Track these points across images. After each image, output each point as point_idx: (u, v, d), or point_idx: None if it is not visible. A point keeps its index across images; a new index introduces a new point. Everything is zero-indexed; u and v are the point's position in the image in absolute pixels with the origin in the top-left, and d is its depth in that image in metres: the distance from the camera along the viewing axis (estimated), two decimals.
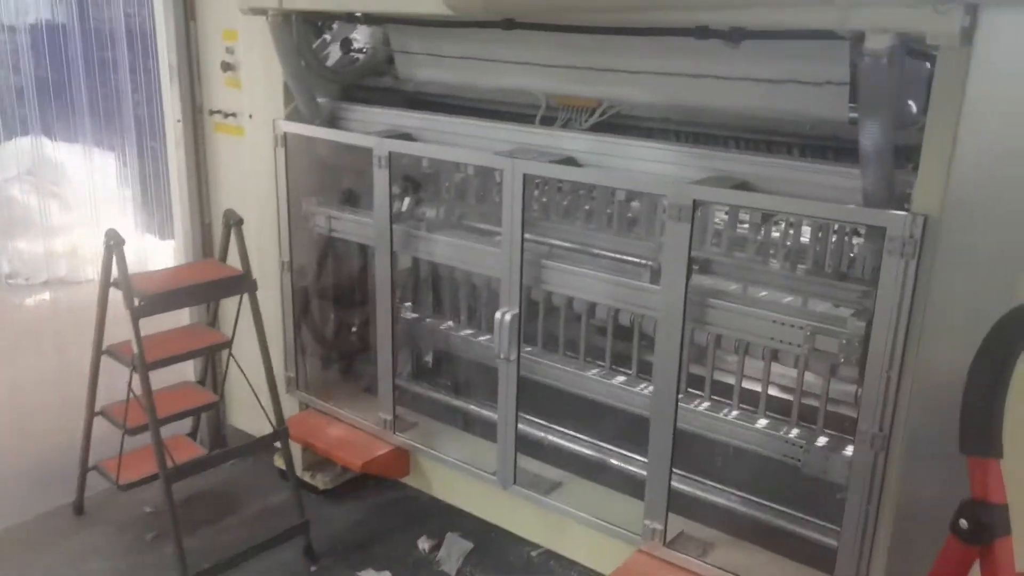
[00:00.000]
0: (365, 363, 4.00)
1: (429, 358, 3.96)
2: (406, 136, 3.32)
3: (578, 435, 3.33)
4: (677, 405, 2.69)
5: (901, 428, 2.26)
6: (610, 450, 3.22)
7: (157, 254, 4.28)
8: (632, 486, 3.05)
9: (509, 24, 2.88)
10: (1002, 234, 1.99)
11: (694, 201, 2.48)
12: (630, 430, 3.12)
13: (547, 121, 3.15)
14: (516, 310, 2.97)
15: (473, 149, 3.12)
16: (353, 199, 3.79)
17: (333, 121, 3.59)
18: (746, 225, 2.82)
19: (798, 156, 2.67)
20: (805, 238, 2.73)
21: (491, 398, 3.24)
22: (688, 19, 2.44)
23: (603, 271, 2.99)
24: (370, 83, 3.74)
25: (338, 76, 3.64)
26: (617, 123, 3.01)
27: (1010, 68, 1.90)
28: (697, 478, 2.99)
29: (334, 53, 3.72)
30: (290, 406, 3.81)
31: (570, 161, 2.87)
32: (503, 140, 3.07)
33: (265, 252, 3.72)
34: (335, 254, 3.91)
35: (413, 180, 3.66)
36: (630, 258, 3.02)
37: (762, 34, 2.47)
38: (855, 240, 2.62)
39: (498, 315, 2.98)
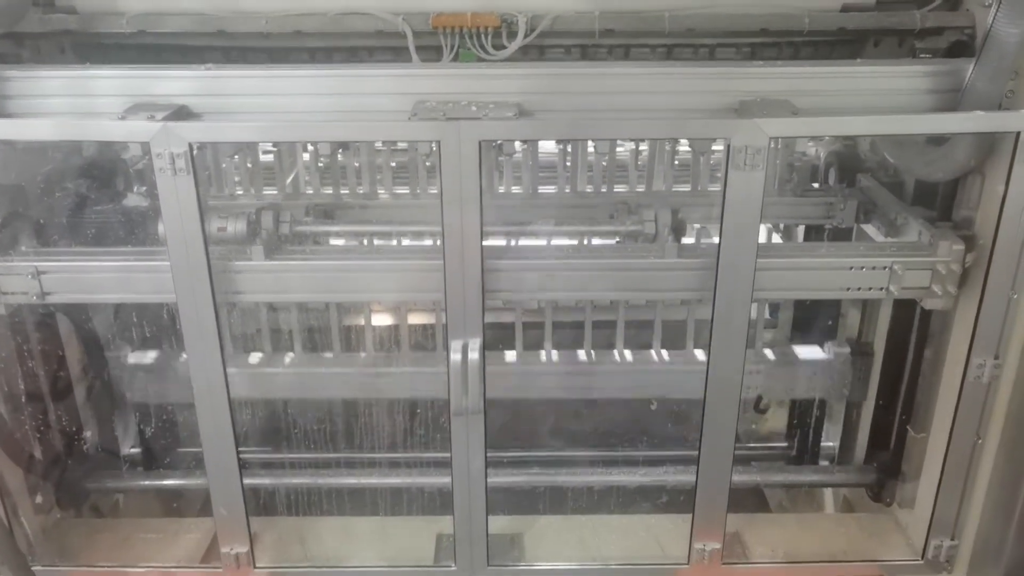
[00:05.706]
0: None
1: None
2: (183, 112, 1.95)
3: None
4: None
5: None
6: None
7: None
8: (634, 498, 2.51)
9: None
10: None
11: (770, 140, 1.83)
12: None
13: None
14: (479, 338, 2.01)
15: (337, 115, 1.96)
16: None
17: None
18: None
19: (798, 58, 2.19)
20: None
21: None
22: None
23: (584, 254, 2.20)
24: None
25: None
26: (536, 46, 2.13)
27: None
28: None
29: None
30: None
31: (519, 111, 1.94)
32: (368, 92, 1.98)
33: None
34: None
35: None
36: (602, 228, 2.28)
37: None
38: None
39: (455, 355, 1.99)
